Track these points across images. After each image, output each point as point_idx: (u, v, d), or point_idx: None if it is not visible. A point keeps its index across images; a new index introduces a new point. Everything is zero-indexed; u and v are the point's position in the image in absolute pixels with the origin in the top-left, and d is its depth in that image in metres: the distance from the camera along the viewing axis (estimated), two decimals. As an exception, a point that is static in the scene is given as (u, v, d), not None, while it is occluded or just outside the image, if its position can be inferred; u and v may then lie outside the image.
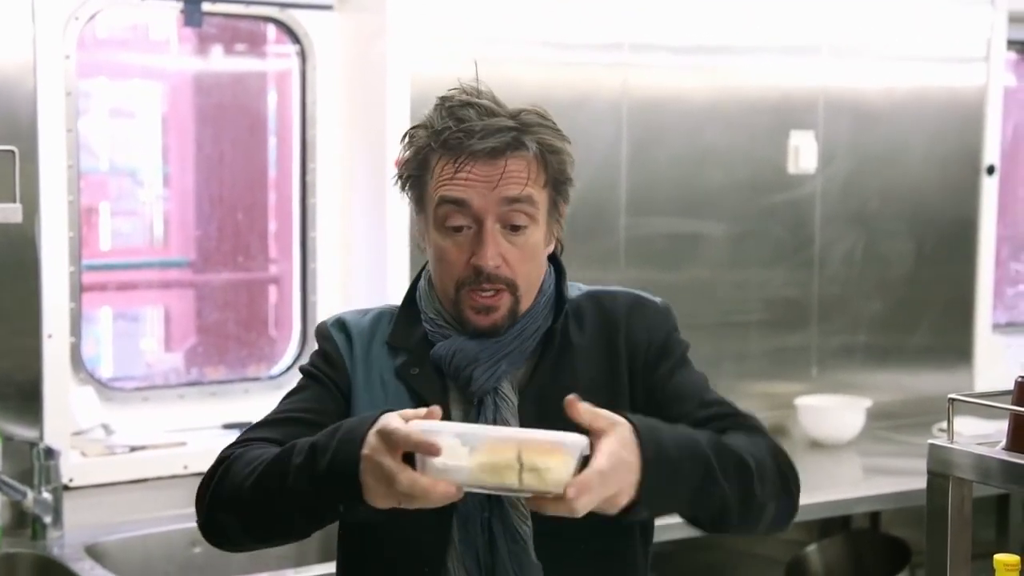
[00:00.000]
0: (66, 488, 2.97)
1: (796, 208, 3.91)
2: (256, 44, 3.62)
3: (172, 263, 3.83)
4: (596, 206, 3.57)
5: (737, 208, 3.81)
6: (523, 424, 1.68)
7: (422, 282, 1.81)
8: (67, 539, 2.90)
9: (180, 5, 3.27)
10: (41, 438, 2.94)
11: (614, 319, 1.79)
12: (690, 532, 3.02)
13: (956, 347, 4.25)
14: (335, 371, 1.78)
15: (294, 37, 3.43)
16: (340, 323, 1.82)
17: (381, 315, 1.83)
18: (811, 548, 3.74)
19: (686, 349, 1.82)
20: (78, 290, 3.16)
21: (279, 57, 3.57)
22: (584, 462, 1.44)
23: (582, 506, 1.42)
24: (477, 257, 1.69)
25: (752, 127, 3.81)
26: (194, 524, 1.69)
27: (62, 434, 3.01)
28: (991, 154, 4.21)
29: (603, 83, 3.57)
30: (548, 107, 1.77)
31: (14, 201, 2.78)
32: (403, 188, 1.77)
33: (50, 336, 2.99)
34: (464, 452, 1.42)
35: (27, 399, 2.93)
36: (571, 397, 1.48)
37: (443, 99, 1.73)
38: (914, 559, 3.52)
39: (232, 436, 1.77)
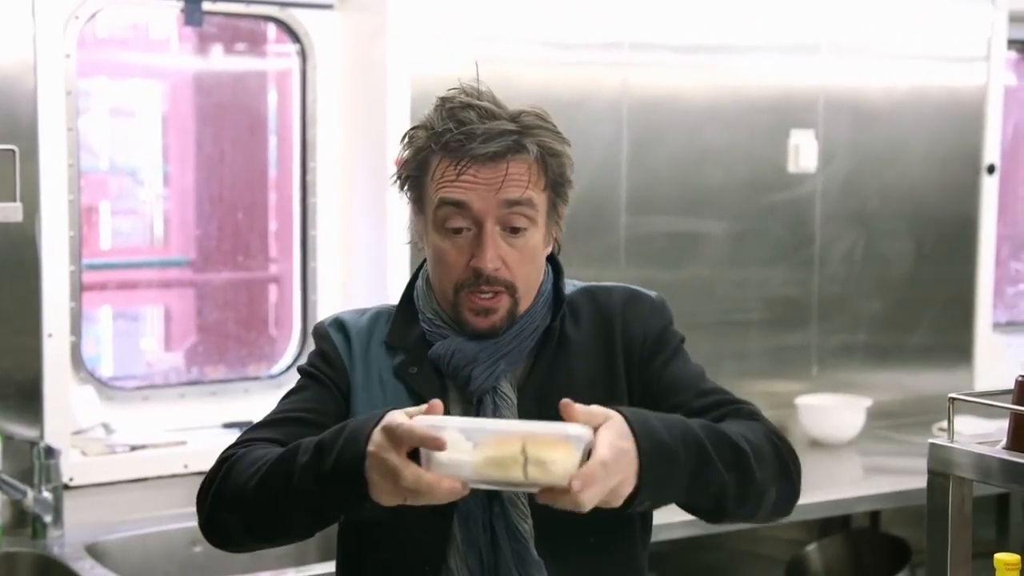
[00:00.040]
0: (66, 487, 2.98)
1: (796, 207, 3.91)
2: (256, 43, 3.62)
3: (172, 262, 3.83)
4: (596, 205, 3.57)
5: (737, 207, 3.81)
6: (523, 422, 1.68)
7: (419, 282, 1.81)
8: (67, 538, 2.90)
9: (180, 4, 3.27)
10: (41, 437, 2.94)
11: (610, 314, 1.80)
12: (690, 531, 3.03)
13: (956, 346, 4.25)
14: (334, 371, 1.78)
15: (294, 36, 3.43)
16: (338, 323, 1.82)
17: (378, 315, 1.83)
18: (811, 547, 3.75)
19: (681, 341, 1.82)
20: (78, 289, 3.16)
21: (279, 56, 3.57)
22: (587, 456, 1.44)
23: (588, 498, 1.42)
24: (477, 259, 1.69)
25: (752, 126, 3.81)
26: (194, 523, 1.69)
27: (62, 433, 3.01)
28: (991, 153, 4.21)
29: (603, 82, 3.57)
30: (548, 106, 1.77)
31: (14, 200, 2.78)
32: (402, 188, 1.77)
33: (50, 335, 2.99)
34: (468, 447, 1.42)
35: (27, 398, 2.93)
36: (565, 401, 1.48)
37: (443, 100, 1.72)
38: (914, 558, 3.52)
39: (232, 435, 1.77)
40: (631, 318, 1.79)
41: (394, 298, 1.86)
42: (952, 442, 1.73)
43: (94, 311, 3.63)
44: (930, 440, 1.76)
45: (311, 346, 1.84)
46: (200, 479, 1.69)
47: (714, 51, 3.76)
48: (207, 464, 1.71)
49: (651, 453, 1.49)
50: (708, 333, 3.75)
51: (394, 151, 1.81)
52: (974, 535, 1.75)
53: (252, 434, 1.72)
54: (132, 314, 3.94)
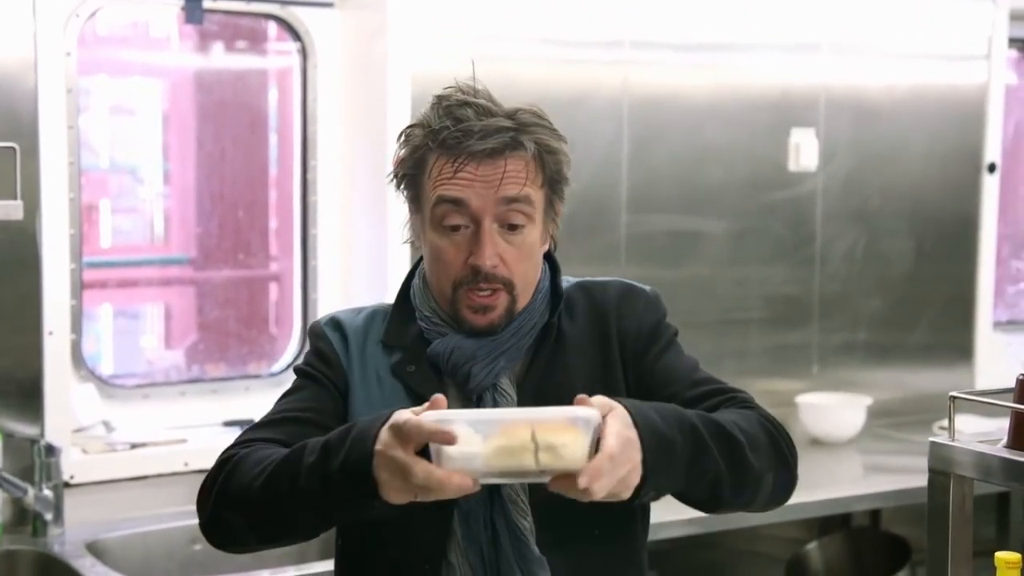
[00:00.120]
0: (67, 485, 2.98)
1: (797, 205, 3.91)
2: (257, 41, 3.62)
3: (173, 260, 3.83)
4: (597, 203, 3.57)
5: (738, 205, 3.81)
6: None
7: (416, 280, 1.82)
8: (68, 536, 2.90)
9: (181, 2, 3.26)
10: (42, 435, 2.94)
11: (605, 309, 1.80)
12: (690, 530, 3.04)
13: (957, 345, 4.25)
14: (332, 370, 1.78)
15: (295, 34, 3.43)
16: (334, 322, 1.82)
17: (374, 313, 1.83)
18: (811, 546, 3.75)
19: (675, 334, 1.83)
20: (79, 287, 3.16)
21: (280, 54, 3.57)
22: (596, 440, 1.45)
23: (599, 488, 1.43)
24: (475, 257, 1.69)
25: (753, 124, 3.81)
26: (195, 521, 1.69)
27: (63, 431, 3.01)
28: (992, 152, 4.21)
29: (604, 80, 3.57)
30: (549, 105, 1.77)
31: (15, 198, 2.78)
32: (398, 187, 1.77)
33: (51, 333, 2.99)
34: (478, 439, 1.42)
35: (28, 396, 2.93)
36: (580, 397, 1.49)
37: (440, 98, 1.73)
38: (914, 557, 3.52)
39: (233, 433, 1.77)
40: (626, 312, 1.80)
41: (394, 296, 1.86)
42: (953, 441, 1.73)
43: (95, 309, 3.63)
44: (931, 439, 1.76)
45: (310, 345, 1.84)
46: (201, 477, 1.69)
47: (715, 49, 3.76)
48: (208, 462, 1.71)
49: (650, 441, 1.50)
50: (708, 332, 3.76)
51: (395, 149, 1.81)
52: (975, 534, 1.75)
53: (252, 434, 1.72)
54: (132, 312, 3.94)
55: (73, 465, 3.03)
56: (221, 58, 3.62)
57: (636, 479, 1.48)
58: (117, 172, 3.85)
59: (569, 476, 1.43)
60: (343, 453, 1.51)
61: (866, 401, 3.83)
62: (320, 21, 3.42)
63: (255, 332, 3.70)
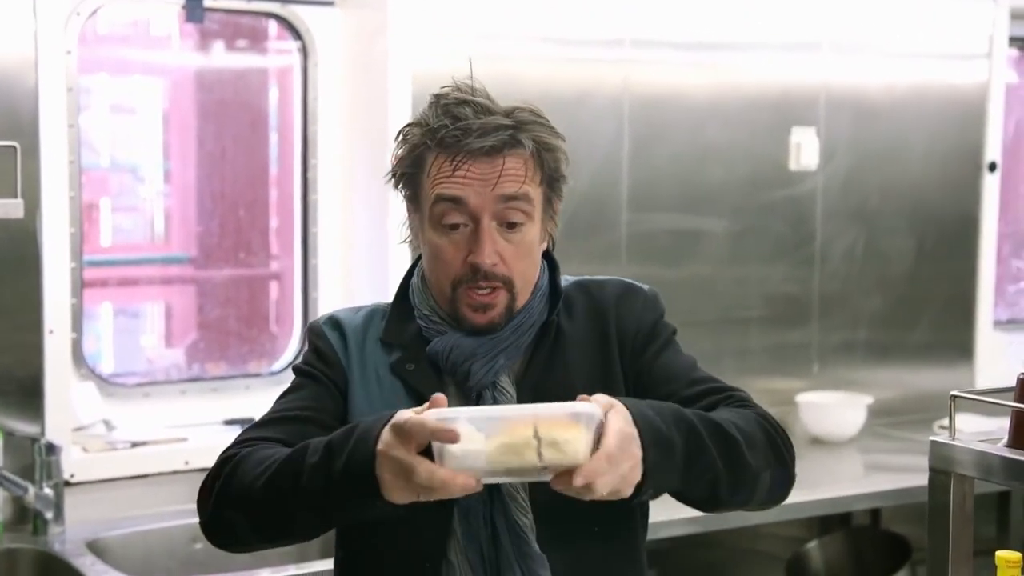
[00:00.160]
0: (67, 484, 2.98)
1: (797, 204, 3.91)
2: (257, 40, 3.62)
3: (173, 259, 3.83)
4: (598, 202, 3.57)
5: (738, 204, 3.81)
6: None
7: (415, 279, 1.82)
8: (68, 535, 2.90)
9: (181, 1, 3.26)
10: (42, 434, 2.94)
11: (604, 308, 1.81)
12: (690, 529, 3.03)
13: (957, 344, 4.25)
14: (331, 369, 1.78)
15: (295, 33, 3.43)
16: (333, 321, 1.82)
17: (373, 312, 1.83)
18: (812, 545, 3.75)
19: (673, 333, 1.83)
20: (79, 286, 3.16)
21: (280, 53, 3.57)
22: (598, 435, 1.45)
23: (602, 484, 1.44)
24: (474, 255, 1.69)
25: (753, 123, 3.81)
26: (195, 520, 1.69)
27: (63, 430, 3.01)
28: (992, 151, 4.21)
29: (605, 79, 3.57)
30: (550, 103, 1.78)
31: (15, 197, 2.78)
32: (397, 185, 1.77)
33: (51, 332, 2.99)
34: (480, 437, 1.42)
35: (28, 395, 2.93)
36: (582, 397, 1.50)
37: (438, 97, 1.73)
38: (915, 556, 3.52)
39: (233, 432, 1.77)
40: (624, 312, 1.80)
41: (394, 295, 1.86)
42: (953, 440, 1.73)
43: (95, 308, 3.64)
44: (931, 438, 1.76)
45: (309, 344, 1.84)
46: (201, 476, 1.69)
47: (716, 48, 3.76)
48: (208, 461, 1.71)
49: (650, 440, 1.50)
50: (709, 330, 3.76)
51: (393, 148, 1.81)
52: (975, 533, 1.75)
53: (252, 433, 1.72)
54: (133, 311, 3.94)
55: (73, 464, 3.03)
56: (222, 57, 3.62)
57: (637, 475, 1.48)
58: (118, 171, 3.85)
59: (571, 474, 1.43)
60: (346, 453, 1.51)
61: (866, 400, 3.83)
62: (321, 20, 3.42)
63: (255, 331, 3.70)
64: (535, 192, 1.72)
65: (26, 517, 2.92)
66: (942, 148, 4.14)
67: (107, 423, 3.19)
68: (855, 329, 4.05)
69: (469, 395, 1.73)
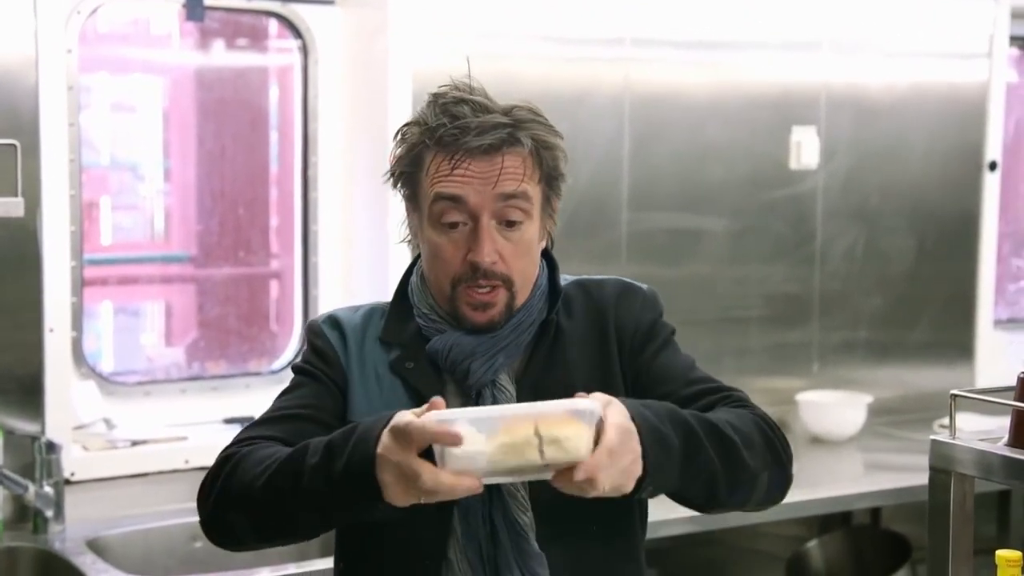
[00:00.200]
0: (67, 482, 2.97)
1: (797, 204, 3.91)
2: (258, 39, 3.62)
3: (173, 258, 3.83)
4: (598, 201, 3.57)
5: (738, 204, 3.81)
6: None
7: (414, 278, 1.82)
8: (68, 533, 2.90)
9: (182, 0, 3.26)
10: (42, 432, 2.94)
11: (603, 307, 1.81)
12: (690, 528, 3.03)
13: (957, 343, 4.25)
14: (330, 367, 1.78)
15: (296, 32, 3.43)
16: (332, 320, 1.82)
17: (372, 311, 1.83)
18: (812, 544, 3.75)
19: (672, 332, 1.83)
20: (79, 284, 3.16)
21: (281, 52, 3.57)
22: (598, 432, 1.45)
23: (603, 480, 1.44)
24: (473, 253, 1.69)
25: (754, 123, 3.81)
26: (195, 519, 1.69)
27: (63, 428, 3.01)
28: (993, 150, 4.21)
29: (605, 78, 3.57)
30: (550, 102, 1.78)
31: (16, 195, 2.78)
32: (396, 185, 1.77)
33: (51, 330, 2.99)
34: (481, 438, 1.42)
35: (28, 393, 2.93)
36: (579, 395, 1.49)
37: (436, 95, 1.73)
38: (915, 555, 3.52)
39: (233, 431, 1.77)
40: (623, 311, 1.80)
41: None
42: (954, 439, 1.73)
43: (95, 306, 3.64)
44: (931, 437, 1.76)
45: (309, 343, 1.84)
46: (201, 475, 1.69)
47: (716, 47, 3.76)
48: (208, 460, 1.70)
49: (649, 436, 1.50)
50: (709, 330, 3.76)
51: (391, 148, 1.81)
52: (975, 532, 1.75)
53: (251, 432, 1.72)
54: (133, 309, 3.94)
55: (74, 462, 3.03)
56: (222, 55, 3.62)
57: (638, 470, 1.48)
58: (118, 169, 3.85)
59: (572, 471, 1.43)
60: (345, 455, 1.51)
61: (866, 399, 3.83)
62: (321, 18, 3.42)
63: (256, 329, 3.70)
64: (534, 190, 1.72)
65: (26, 515, 2.92)
66: (942, 147, 4.14)
67: (107, 422, 3.19)
68: (855, 328, 4.05)
69: (468, 394, 1.73)
